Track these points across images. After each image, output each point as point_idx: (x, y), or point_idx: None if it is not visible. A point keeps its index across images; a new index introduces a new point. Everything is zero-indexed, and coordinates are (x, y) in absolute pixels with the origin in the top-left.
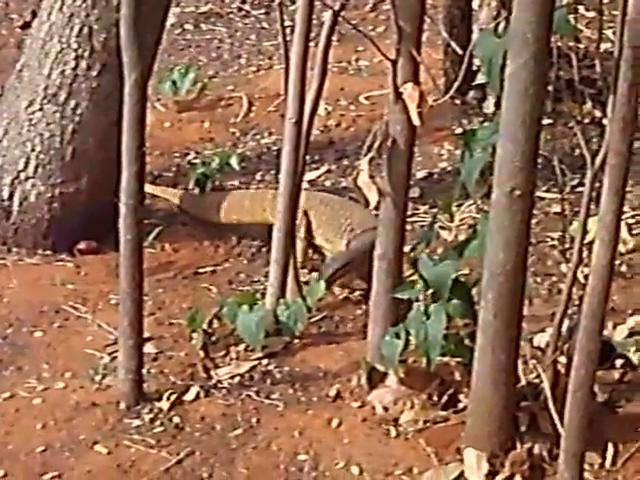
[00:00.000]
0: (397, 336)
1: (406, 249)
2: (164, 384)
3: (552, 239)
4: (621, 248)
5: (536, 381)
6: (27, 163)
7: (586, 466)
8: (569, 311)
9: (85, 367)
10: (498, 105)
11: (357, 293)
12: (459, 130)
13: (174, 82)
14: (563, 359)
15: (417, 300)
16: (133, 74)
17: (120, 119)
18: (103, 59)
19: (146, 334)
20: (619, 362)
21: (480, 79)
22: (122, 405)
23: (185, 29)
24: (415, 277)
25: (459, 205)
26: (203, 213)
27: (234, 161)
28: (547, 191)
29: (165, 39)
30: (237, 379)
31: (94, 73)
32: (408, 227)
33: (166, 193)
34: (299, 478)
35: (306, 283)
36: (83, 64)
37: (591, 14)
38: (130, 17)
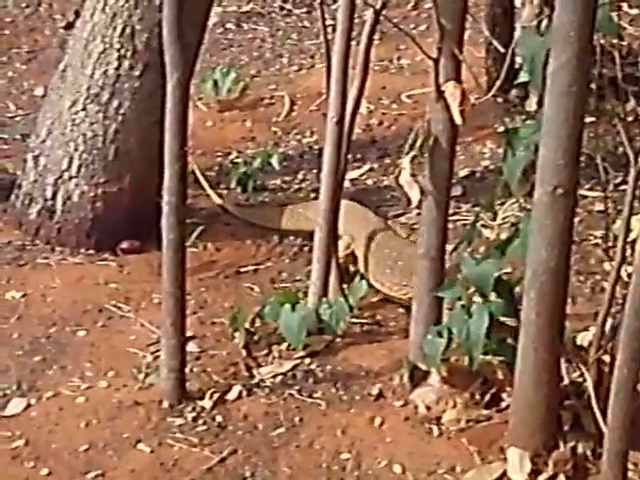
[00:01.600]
0: (439, 335)
1: (449, 248)
2: (207, 383)
3: (595, 237)
4: None
5: (579, 380)
6: (70, 163)
7: (630, 465)
8: (612, 310)
9: (128, 366)
10: (540, 103)
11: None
12: (501, 128)
13: (216, 82)
14: (607, 358)
15: (460, 299)
16: (175, 74)
17: (162, 119)
18: (145, 59)
19: (189, 333)
20: None
21: (522, 77)
22: (165, 404)
23: (227, 28)
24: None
25: (502, 204)
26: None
27: (275, 160)
28: (590, 189)
29: (207, 39)
30: (279, 378)
31: (137, 73)
32: (450, 226)
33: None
34: (341, 477)
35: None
36: (126, 64)
37: (634, 11)
38: (172, 17)
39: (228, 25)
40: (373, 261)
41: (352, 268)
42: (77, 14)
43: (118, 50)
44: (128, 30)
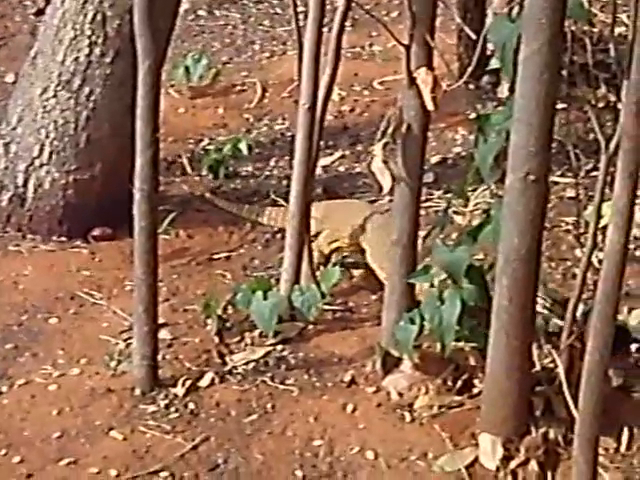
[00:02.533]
0: (412, 321)
1: (421, 234)
2: (179, 370)
3: (566, 224)
4: (636, 232)
5: (551, 366)
6: (41, 150)
7: (601, 450)
8: (584, 296)
9: (100, 353)
10: (512, 90)
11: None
12: (473, 115)
13: (187, 68)
14: (578, 344)
15: (432, 285)
16: (147, 60)
17: (134, 105)
18: (117, 46)
19: (161, 320)
20: (634, 347)
21: (494, 64)
22: (137, 391)
23: (198, 15)
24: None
25: (473, 190)
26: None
27: (244, 146)
28: (561, 176)
29: (178, 25)
30: (252, 365)
31: (108, 60)
32: (422, 212)
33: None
34: (314, 463)
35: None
36: (97, 51)
37: None
38: (143, 3)
39: (200, 12)
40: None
41: (333, 259)
42: (47, 1)
43: (89, 37)
44: (99, 17)
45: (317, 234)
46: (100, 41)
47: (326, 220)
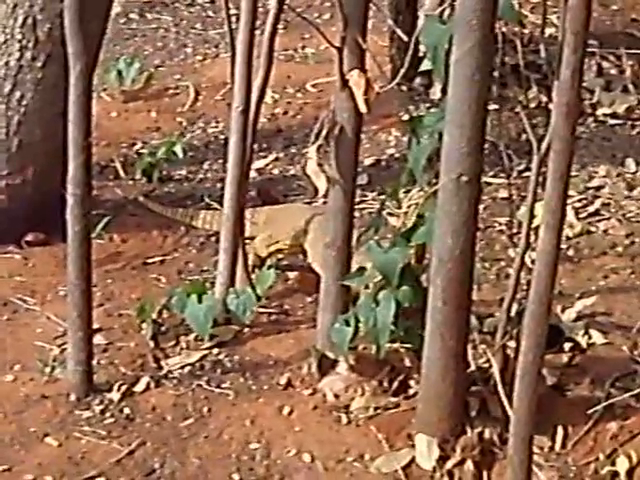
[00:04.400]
0: (347, 323)
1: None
2: (114, 375)
3: (500, 224)
4: (568, 232)
5: (486, 366)
6: None
7: (536, 449)
8: (517, 295)
9: (34, 359)
10: (444, 91)
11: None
12: (406, 117)
13: (120, 72)
14: (512, 343)
15: (367, 287)
16: (78, 64)
17: (66, 110)
18: (48, 50)
19: (95, 325)
20: (567, 345)
21: (426, 65)
22: (72, 397)
23: (130, 18)
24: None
25: (407, 191)
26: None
27: (178, 149)
28: (494, 176)
29: (110, 29)
30: (187, 369)
31: (39, 64)
32: (357, 214)
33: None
34: (251, 467)
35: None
36: (28, 55)
37: None
38: (74, 7)
39: (131, 15)
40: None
41: (268, 262)
42: None
43: (20, 41)
44: (29, 21)
45: (253, 237)
46: (31, 45)
47: (268, 225)
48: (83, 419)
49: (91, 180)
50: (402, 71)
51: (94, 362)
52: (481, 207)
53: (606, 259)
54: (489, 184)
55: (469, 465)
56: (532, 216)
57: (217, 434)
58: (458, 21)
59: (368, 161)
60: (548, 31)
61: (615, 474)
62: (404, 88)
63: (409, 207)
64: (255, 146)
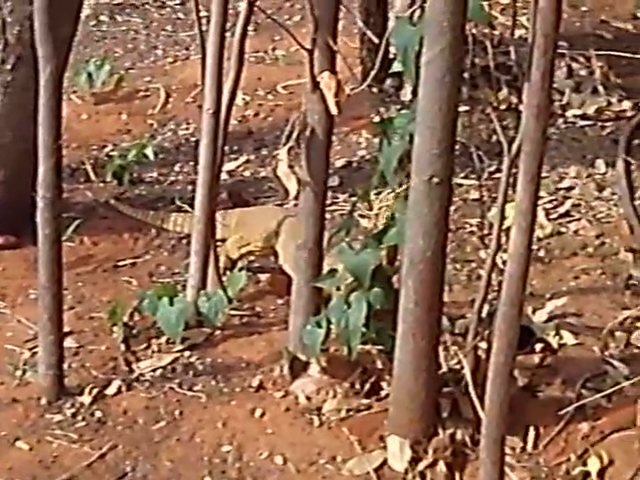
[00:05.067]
0: (318, 325)
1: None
2: (85, 378)
3: (471, 225)
4: (539, 233)
5: (457, 367)
6: None
7: (508, 450)
8: (489, 297)
9: (5, 363)
10: (415, 93)
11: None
12: (377, 118)
13: (90, 74)
14: (484, 344)
15: (338, 289)
16: (48, 67)
17: (36, 112)
18: (17, 52)
19: (66, 328)
20: (539, 346)
21: (396, 67)
22: (43, 400)
23: (100, 21)
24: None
25: (378, 193)
26: None
27: (149, 152)
28: (465, 178)
29: (80, 31)
30: (159, 372)
31: (8, 67)
32: (328, 216)
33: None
34: (223, 469)
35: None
36: None
37: (505, 0)
38: (44, 9)
39: (101, 17)
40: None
41: (240, 264)
42: None
43: None
44: None
45: (225, 240)
46: (0, 48)
47: (239, 227)
48: (54, 423)
49: (61, 183)
50: (373, 73)
51: (65, 365)
52: (452, 208)
53: (577, 260)
54: (460, 185)
55: (441, 466)
56: (503, 217)
57: (189, 437)
58: (428, 23)
59: (339, 163)
60: (518, 33)
61: (587, 474)
62: (375, 90)
63: (380, 209)
64: (226, 148)
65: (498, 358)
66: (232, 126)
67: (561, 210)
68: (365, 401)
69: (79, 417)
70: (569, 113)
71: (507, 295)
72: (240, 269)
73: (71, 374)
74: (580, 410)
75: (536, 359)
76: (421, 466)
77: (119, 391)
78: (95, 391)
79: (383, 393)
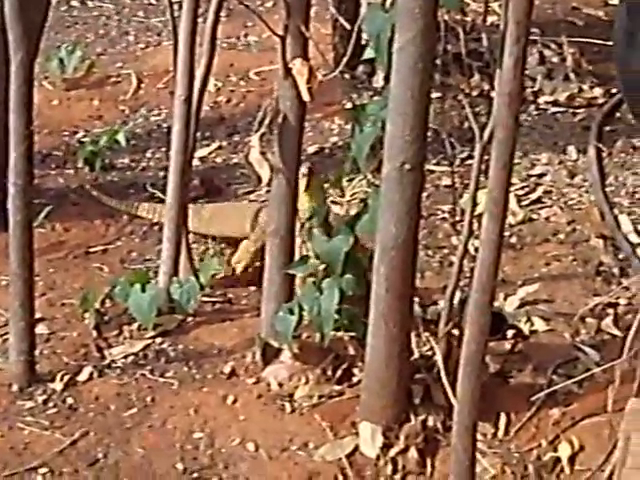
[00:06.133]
0: (291, 312)
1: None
2: (57, 365)
3: (443, 212)
4: (511, 220)
5: (429, 354)
6: None
7: (479, 436)
8: (461, 283)
9: None
10: (387, 79)
11: None
12: (349, 105)
13: (61, 60)
14: (456, 331)
15: (310, 275)
16: (19, 53)
17: (7, 99)
18: None
19: (38, 315)
20: (510, 333)
21: (369, 54)
22: (14, 387)
23: (71, 6)
24: (308, 252)
25: (350, 180)
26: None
27: (122, 139)
28: (437, 164)
29: (51, 16)
30: (131, 358)
31: None
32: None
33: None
34: (195, 456)
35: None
36: None
37: None
38: None
39: (73, 2)
40: None
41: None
42: None
43: None
44: None
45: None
46: None
47: (213, 220)
48: (25, 409)
49: (33, 169)
50: (345, 59)
51: (37, 352)
52: (424, 195)
53: (548, 246)
54: (432, 172)
55: (413, 453)
56: (475, 204)
57: (161, 423)
58: (400, 9)
59: (311, 149)
60: (490, 19)
61: (557, 460)
62: (347, 76)
63: (353, 195)
64: (198, 134)
65: (470, 345)
66: (204, 112)
67: (533, 197)
68: (337, 387)
69: (50, 404)
70: (541, 100)
71: (479, 282)
72: (212, 256)
73: (42, 360)
74: (551, 396)
75: (507, 345)
76: (393, 452)
77: (90, 377)
78: (67, 378)
79: (355, 379)
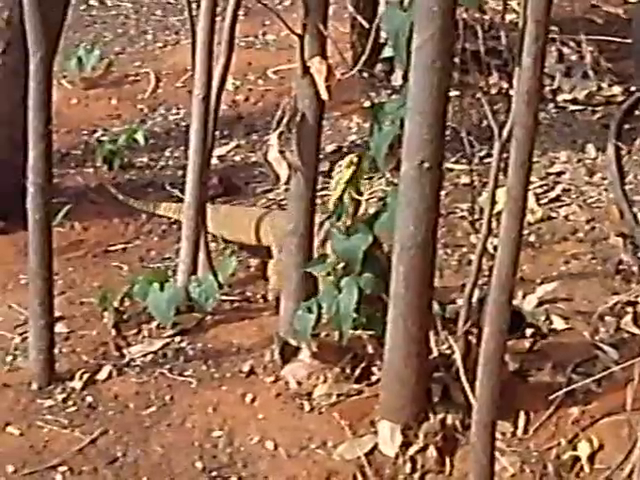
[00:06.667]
0: (309, 310)
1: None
2: (76, 363)
3: (461, 210)
4: (529, 218)
5: (448, 352)
6: None
7: (498, 435)
8: (479, 282)
9: None
10: (406, 78)
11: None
12: (367, 103)
13: (80, 59)
14: (475, 330)
15: (329, 274)
16: (38, 52)
17: (26, 97)
18: (7, 37)
19: (57, 313)
20: (529, 331)
21: (387, 52)
22: (34, 386)
23: (90, 5)
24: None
25: (369, 178)
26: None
27: (140, 136)
28: (456, 162)
29: (70, 15)
30: (150, 357)
31: None
32: (318, 201)
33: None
34: (214, 454)
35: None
36: None
37: None
38: None
39: (91, 2)
40: None
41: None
42: None
43: None
44: None
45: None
46: None
47: (227, 220)
48: (45, 408)
49: (52, 168)
50: (363, 58)
51: (56, 351)
52: (443, 193)
53: (567, 245)
54: (451, 170)
55: (432, 451)
56: (494, 202)
57: (180, 422)
58: (419, 8)
59: (330, 148)
60: (508, 17)
61: (577, 459)
62: (365, 75)
63: (371, 194)
64: (216, 133)
65: (489, 343)
66: (222, 111)
67: (552, 195)
68: (356, 386)
69: (70, 402)
70: (560, 98)
71: (498, 280)
72: (230, 254)
73: (62, 359)
74: (570, 395)
75: (526, 344)
76: (412, 451)
77: (110, 376)
78: (86, 376)
79: (374, 378)
